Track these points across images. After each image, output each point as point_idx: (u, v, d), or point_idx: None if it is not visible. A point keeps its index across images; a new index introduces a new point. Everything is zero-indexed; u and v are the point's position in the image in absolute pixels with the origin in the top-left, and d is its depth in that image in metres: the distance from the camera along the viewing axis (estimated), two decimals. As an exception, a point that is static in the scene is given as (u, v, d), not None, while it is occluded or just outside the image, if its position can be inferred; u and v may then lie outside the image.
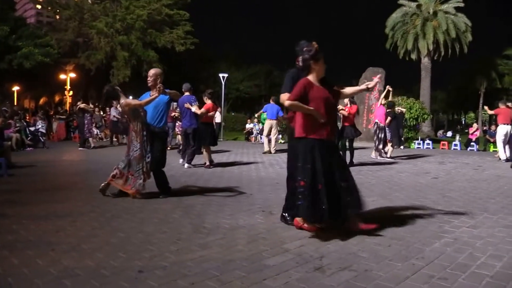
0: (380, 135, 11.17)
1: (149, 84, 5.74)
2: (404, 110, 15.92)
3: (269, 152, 12.90)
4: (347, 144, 9.93)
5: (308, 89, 3.86)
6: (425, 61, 33.20)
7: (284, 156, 12.11)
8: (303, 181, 3.76)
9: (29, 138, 14.44)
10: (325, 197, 3.71)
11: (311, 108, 3.82)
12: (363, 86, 4.26)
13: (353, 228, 3.94)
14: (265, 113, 13.60)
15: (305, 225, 3.97)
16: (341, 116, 9.83)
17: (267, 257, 3.29)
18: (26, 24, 30.95)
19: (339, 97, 4.25)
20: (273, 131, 13.23)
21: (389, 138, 11.55)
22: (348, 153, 9.92)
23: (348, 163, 9.32)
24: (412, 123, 18.50)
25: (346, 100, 9.74)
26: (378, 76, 4.52)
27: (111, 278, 2.84)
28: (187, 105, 8.81)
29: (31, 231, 4.04)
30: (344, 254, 3.37)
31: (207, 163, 9.21)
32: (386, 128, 11.34)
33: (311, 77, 3.96)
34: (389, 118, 11.46)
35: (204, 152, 9.28)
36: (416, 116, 18.45)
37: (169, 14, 31.91)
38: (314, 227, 3.96)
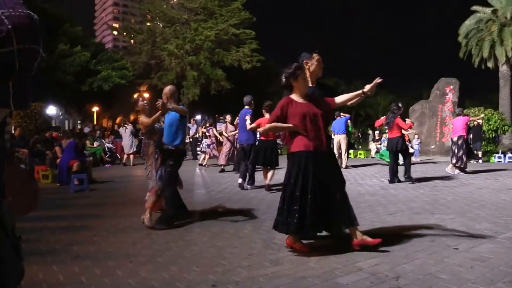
0: (462, 149, 10.56)
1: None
2: (481, 121, 14.97)
3: (341, 167, 12.64)
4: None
5: (287, 108, 3.95)
6: (504, 69, 31.10)
7: (351, 172, 11.87)
8: (284, 198, 3.84)
9: (107, 156, 15.34)
10: (313, 213, 3.70)
11: (290, 125, 3.91)
12: (359, 91, 4.13)
13: (360, 243, 3.84)
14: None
15: (297, 244, 3.89)
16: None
17: (340, 275, 3.20)
18: (105, 49, 33.25)
19: (332, 106, 4.19)
20: (343, 146, 12.95)
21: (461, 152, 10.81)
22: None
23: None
24: (491, 136, 17.33)
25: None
26: (377, 79, 4.15)
27: (186, 291, 2.90)
28: (246, 118, 8.14)
29: (110, 243, 4.27)
30: (422, 275, 3.19)
31: (265, 185, 8.03)
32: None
33: (293, 95, 4.02)
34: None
35: (268, 173, 8.08)
36: (495, 128, 17.26)
37: (235, 34, 32.78)
38: (305, 248, 3.88)
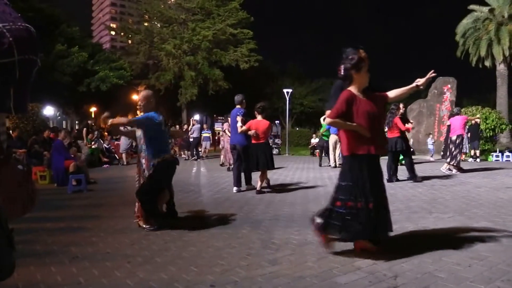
0: (459, 147, 10.59)
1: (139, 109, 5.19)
2: (478, 120, 14.99)
3: (335, 166, 12.85)
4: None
5: (351, 103, 3.65)
6: (501, 68, 31.17)
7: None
8: (343, 202, 3.61)
9: (105, 156, 15.31)
10: (365, 217, 3.54)
11: (354, 124, 3.63)
12: (413, 85, 3.92)
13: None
14: (328, 129, 13.43)
15: (368, 244, 3.76)
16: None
17: (338, 274, 3.20)
18: (102, 50, 33.23)
19: (386, 102, 3.95)
20: (338, 145, 13.09)
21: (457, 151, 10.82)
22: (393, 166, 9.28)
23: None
24: (488, 134, 17.36)
25: None
26: (430, 72, 4.02)
27: (184, 292, 2.90)
28: (238, 118, 7.81)
29: (108, 244, 4.26)
30: (420, 274, 3.19)
31: (258, 186, 7.68)
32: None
33: (353, 88, 3.75)
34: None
35: (263, 177, 7.82)
36: (493, 126, 17.29)
37: (233, 34, 32.79)
38: (374, 247, 3.76)
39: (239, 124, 7.73)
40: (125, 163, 14.76)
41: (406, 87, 3.96)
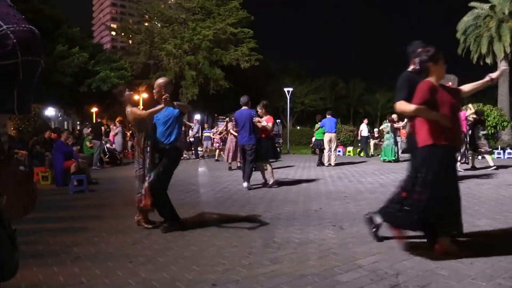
0: (465, 145, 10.65)
1: (155, 97, 4.87)
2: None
3: (330, 164, 13.07)
4: None
5: (434, 92, 3.55)
6: (502, 65, 31.06)
7: (350, 169, 11.89)
8: (422, 195, 3.46)
9: (107, 156, 15.32)
10: (441, 210, 3.44)
11: (438, 114, 3.51)
12: (486, 79, 3.86)
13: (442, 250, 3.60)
14: (322, 127, 13.48)
15: (451, 247, 3.60)
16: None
17: (340, 273, 3.21)
18: (103, 50, 33.20)
19: (460, 96, 3.86)
20: (333, 144, 13.21)
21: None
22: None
23: None
24: (490, 132, 17.34)
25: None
26: (501, 68, 4.00)
27: (186, 291, 2.91)
28: (256, 119, 8.30)
29: (110, 244, 4.27)
30: (422, 272, 3.19)
31: (271, 182, 8.38)
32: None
33: (431, 80, 3.65)
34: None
35: (269, 168, 8.45)
36: (494, 124, 17.30)
37: (233, 33, 32.77)
38: (402, 235, 3.73)
39: (264, 123, 8.38)
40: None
41: (479, 81, 3.93)
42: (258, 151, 8.27)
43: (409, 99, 3.67)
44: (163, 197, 4.83)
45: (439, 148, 3.51)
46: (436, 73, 3.66)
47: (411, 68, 4.17)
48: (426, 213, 3.45)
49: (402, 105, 3.72)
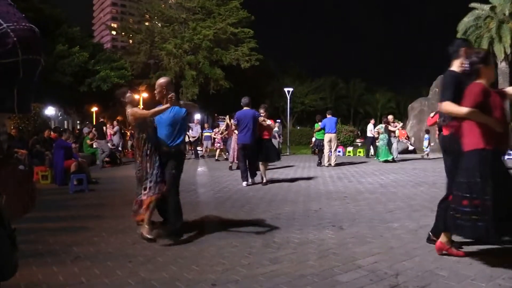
0: None
1: (157, 98, 4.64)
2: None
3: (330, 165, 13.09)
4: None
5: (487, 95, 3.39)
6: (502, 66, 31.11)
7: (350, 169, 11.89)
8: (471, 200, 3.27)
9: (107, 156, 15.29)
10: (495, 216, 3.19)
11: (490, 118, 3.36)
12: None
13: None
14: (322, 129, 13.48)
15: (453, 249, 3.57)
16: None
17: (339, 273, 3.21)
18: (103, 49, 33.18)
19: (505, 99, 3.68)
20: (333, 144, 13.22)
21: None
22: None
23: None
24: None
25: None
26: None
27: (185, 291, 2.91)
28: (261, 118, 8.66)
29: (110, 243, 4.27)
30: (421, 272, 3.20)
31: (265, 180, 8.75)
32: None
33: (483, 83, 3.49)
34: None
35: (262, 168, 8.77)
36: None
37: (234, 33, 32.78)
38: (461, 252, 3.60)
39: (268, 122, 8.84)
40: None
41: None
42: (262, 151, 8.60)
43: (454, 100, 3.53)
44: (176, 206, 4.58)
45: (489, 152, 3.36)
46: (487, 75, 3.54)
47: (455, 68, 3.97)
48: (497, 218, 3.21)
49: (450, 106, 3.53)
